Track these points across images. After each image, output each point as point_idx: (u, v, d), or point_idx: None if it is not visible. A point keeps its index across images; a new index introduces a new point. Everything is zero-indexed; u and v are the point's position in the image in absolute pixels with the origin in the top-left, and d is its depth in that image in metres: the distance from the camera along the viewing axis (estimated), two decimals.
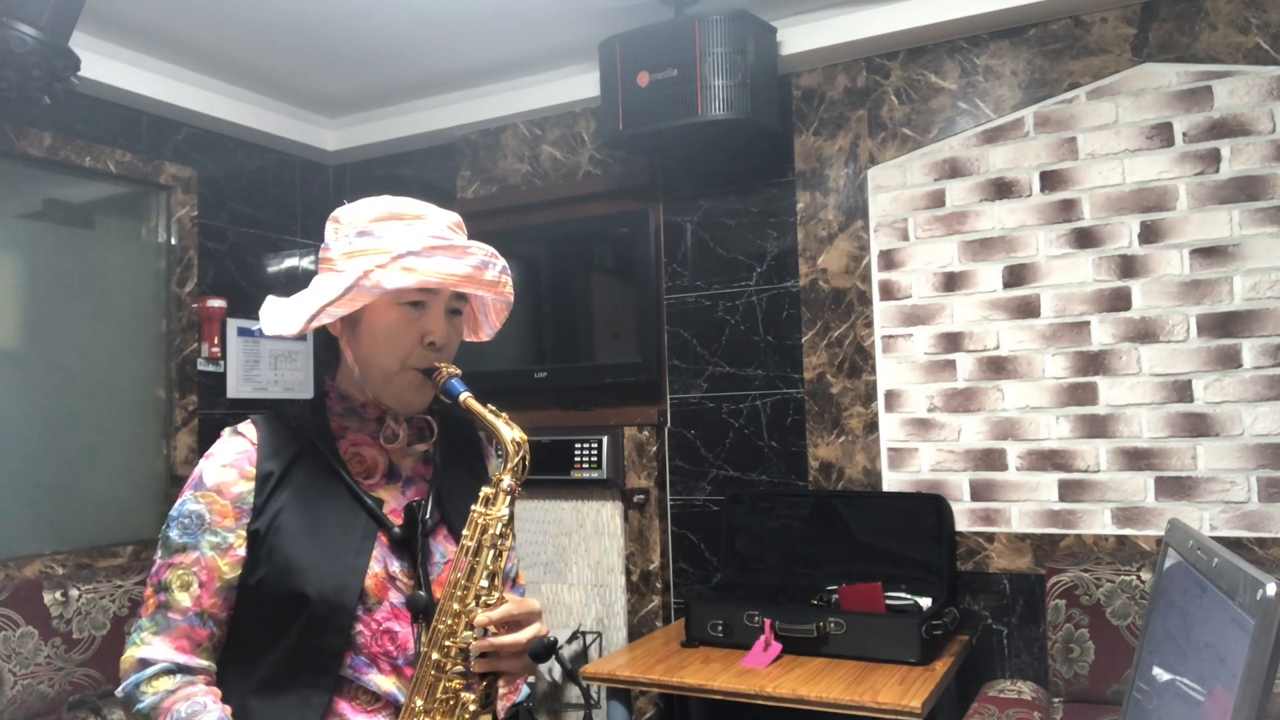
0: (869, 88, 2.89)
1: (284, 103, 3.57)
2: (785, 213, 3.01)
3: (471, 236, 1.26)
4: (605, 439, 3.14)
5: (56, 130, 2.92)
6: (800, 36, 2.87)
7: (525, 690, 1.38)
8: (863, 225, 2.88)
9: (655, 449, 3.13)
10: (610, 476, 3.14)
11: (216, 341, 3.34)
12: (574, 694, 3.15)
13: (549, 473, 3.21)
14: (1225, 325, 2.44)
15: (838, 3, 2.81)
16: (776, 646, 2.40)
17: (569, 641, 3.15)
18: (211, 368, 3.34)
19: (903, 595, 2.55)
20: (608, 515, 3.21)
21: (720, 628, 2.51)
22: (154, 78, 3.10)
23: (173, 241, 3.28)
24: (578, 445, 3.18)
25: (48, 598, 2.55)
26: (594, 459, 3.15)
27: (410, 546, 1.21)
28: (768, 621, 2.43)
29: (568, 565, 3.26)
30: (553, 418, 3.30)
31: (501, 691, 1.31)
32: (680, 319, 3.16)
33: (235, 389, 3.41)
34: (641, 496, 3.12)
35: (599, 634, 3.20)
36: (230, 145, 3.50)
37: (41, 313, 2.92)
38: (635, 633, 3.11)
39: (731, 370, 3.07)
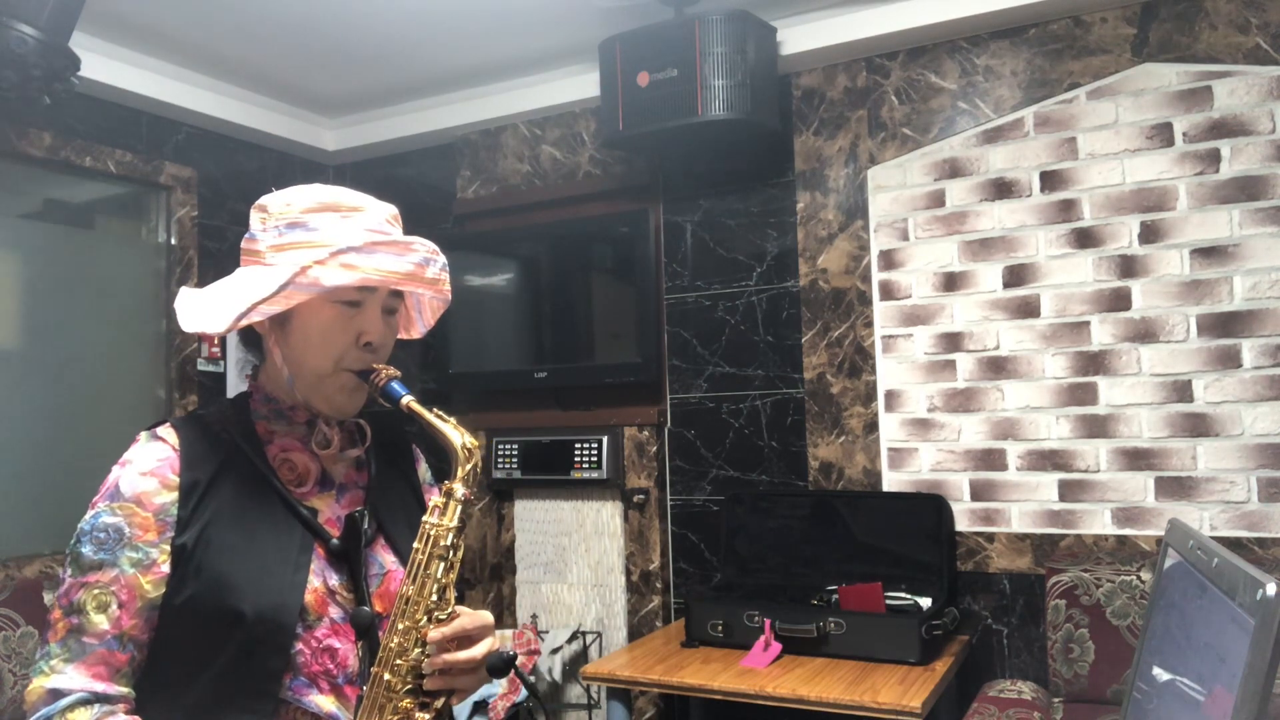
0: (869, 88, 2.89)
1: (284, 103, 3.57)
2: (785, 213, 3.01)
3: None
4: (605, 439, 3.14)
5: (56, 130, 2.92)
6: (800, 36, 2.87)
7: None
8: (863, 225, 2.88)
9: (655, 449, 3.13)
10: (610, 476, 3.14)
11: (216, 341, 3.34)
12: (574, 694, 3.15)
13: (549, 473, 3.21)
14: (1225, 325, 2.44)
15: (838, 3, 2.81)
16: (776, 646, 2.40)
17: (569, 641, 3.15)
18: (211, 368, 3.34)
19: (903, 595, 2.55)
20: (608, 515, 3.21)
21: (720, 628, 2.51)
22: (154, 78, 3.10)
23: (173, 241, 3.28)
24: (578, 445, 3.18)
25: (48, 598, 2.54)
26: (594, 459, 3.15)
27: (350, 559, 1.14)
28: (768, 621, 2.43)
29: (568, 565, 3.26)
30: (553, 418, 3.30)
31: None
32: (680, 319, 3.16)
33: (235, 389, 3.40)
34: (641, 496, 3.12)
35: (599, 634, 3.20)
36: (230, 145, 3.50)
37: (41, 313, 2.92)
38: (635, 633, 3.11)
39: (731, 370, 3.07)
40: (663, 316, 3.18)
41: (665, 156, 3.17)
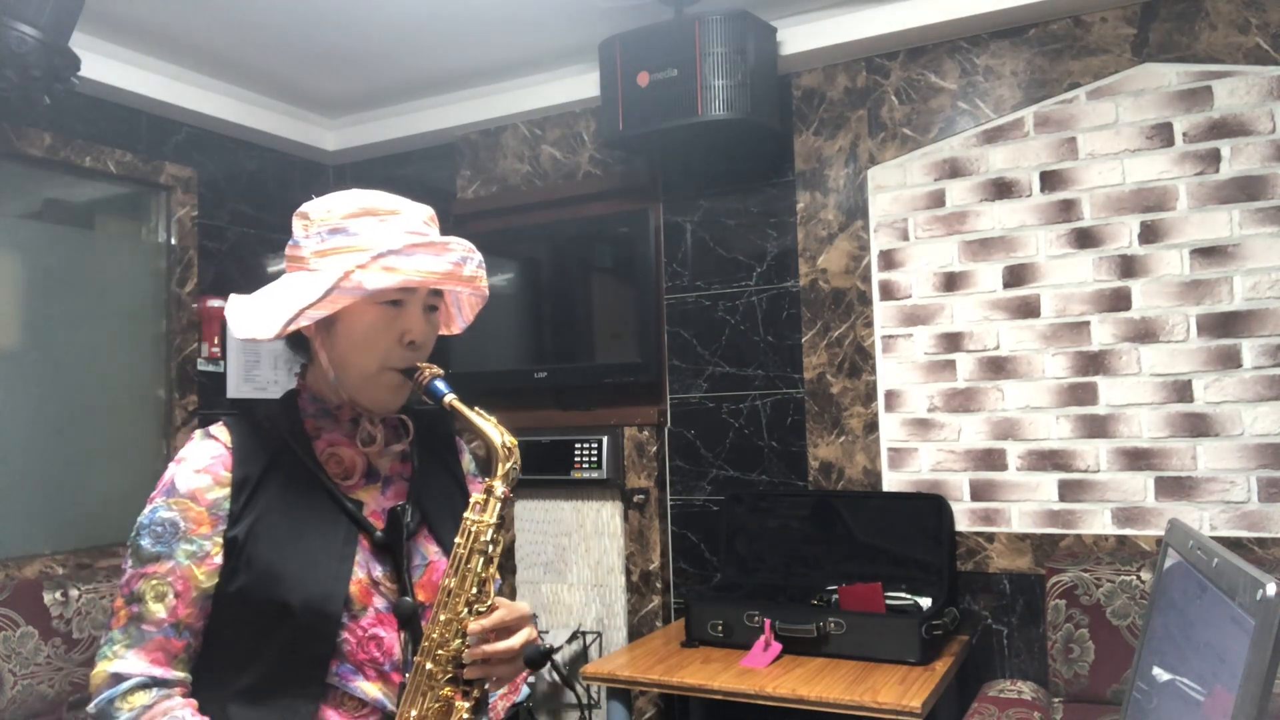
0: (869, 88, 2.89)
1: (284, 103, 3.57)
2: (785, 213, 3.01)
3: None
4: (605, 439, 3.14)
5: (56, 130, 2.92)
6: (800, 36, 2.87)
7: (525, 690, 1.38)
8: (863, 225, 2.88)
9: (655, 449, 3.13)
10: (610, 476, 3.14)
11: (216, 341, 3.34)
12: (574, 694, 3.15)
13: (549, 473, 3.21)
14: (1225, 325, 2.44)
15: (838, 3, 2.81)
16: (776, 646, 2.40)
17: (569, 641, 3.15)
18: (211, 368, 3.34)
19: (903, 595, 2.55)
20: (608, 515, 3.21)
21: (720, 628, 2.51)
22: (154, 78, 3.10)
23: (173, 241, 3.28)
24: (578, 445, 3.18)
25: (48, 598, 2.54)
26: (594, 459, 3.15)
27: (393, 551, 1.19)
28: (768, 621, 2.43)
29: (568, 565, 3.26)
30: (553, 418, 3.30)
31: (501, 691, 1.31)
32: (680, 319, 3.16)
33: (235, 389, 3.41)
34: (641, 496, 3.12)
35: (599, 634, 3.20)
36: (230, 145, 3.50)
37: (41, 313, 2.92)
38: (635, 633, 3.11)
39: (731, 370, 3.07)
40: (663, 316, 3.18)
41: (665, 156, 3.17)
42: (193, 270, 3.31)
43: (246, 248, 3.53)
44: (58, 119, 2.91)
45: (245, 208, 3.54)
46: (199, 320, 3.31)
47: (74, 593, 2.60)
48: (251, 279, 3.51)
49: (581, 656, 3.18)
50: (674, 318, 3.17)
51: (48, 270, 2.95)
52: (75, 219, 3.09)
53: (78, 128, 2.99)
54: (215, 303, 3.33)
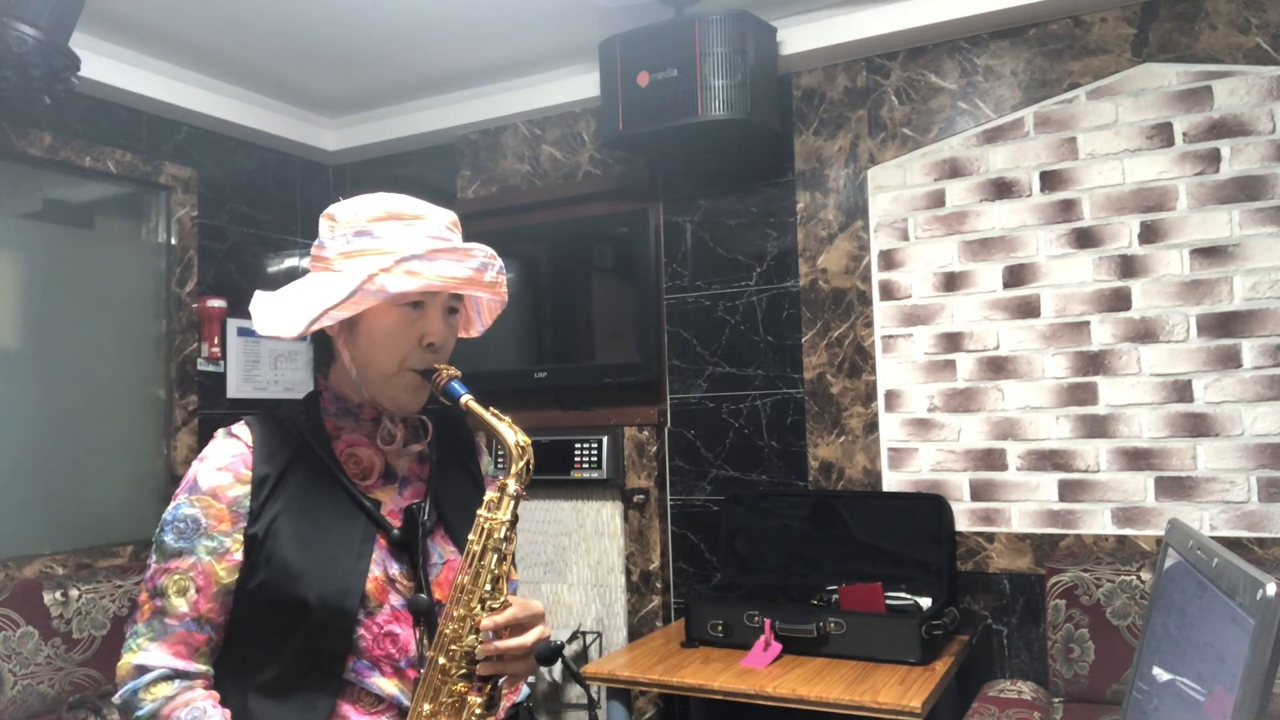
0: (869, 88, 2.89)
1: (284, 103, 3.57)
2: (785, 213, 3.01)
3: (472, 236, 1.25)
4: (605, 439, 3.14)
5: (56, 130, 2.92)
6: (800, 36, 2.87)
7: (525, 690, 1.38)
8: (863, 225, 2.88)
9: (655, 449, 3.13)
10: (610, 476, 3.14)
11: (216, 341, 3.34)
12: (574, 694, 3.15)
13: (549, 473, 3.21)
14: (1225, 325, 2.44)
15: (838, 3, 2.81)
16: (776, 646, 2.40)
17: (569, 641, 3.15)
18: (211, 368, 3.34)
19: (903, 595, 2.55)
20: (608, 515, 3.21)
21: (720, 628, 2.51)
22: (154, 78, 3.10)
23: (173, 241, 3.28)
24: (578, 445, 3.18)
25: (48, 598, 2.55)
26: (594, 459, 3.15)
27: (410, 549, 1.21)
28: (768, 621, 2.43)
29: (568, 565, 3.26)
30: (553, 418, 3.30)
31: (502, 691, 1.31)
32: (680, 319, 3.16)
33: (235, 389, 3.41)
34: (641, 496, 3.12)
35: (599, 634, 3.20)
36: (230, 145, 3.50)
37: (41, 313, 2.92)
38: (635, 633, 3.11)
39: (731, 370, 3.07)
40: (663, 316, 3.18)
41: (665, 156, 3.17)
42: (192, 270, 3.31)
43: (246, 248, 3.53)
44: (58, 119, 2.91)
45: (245, 208, 3.54)
46: (199, 320, 3.31)
47: (74, 593, 2.60)
48: (251, 279, 3.52)
49: (581, 656, 3.18)
50: (674, 318, 3.17)
51: (48, 270, 2.95)
52: (75, 219, 3.09)
53: (78, 128, 2.99)
54: (215, 302, 3.33)
